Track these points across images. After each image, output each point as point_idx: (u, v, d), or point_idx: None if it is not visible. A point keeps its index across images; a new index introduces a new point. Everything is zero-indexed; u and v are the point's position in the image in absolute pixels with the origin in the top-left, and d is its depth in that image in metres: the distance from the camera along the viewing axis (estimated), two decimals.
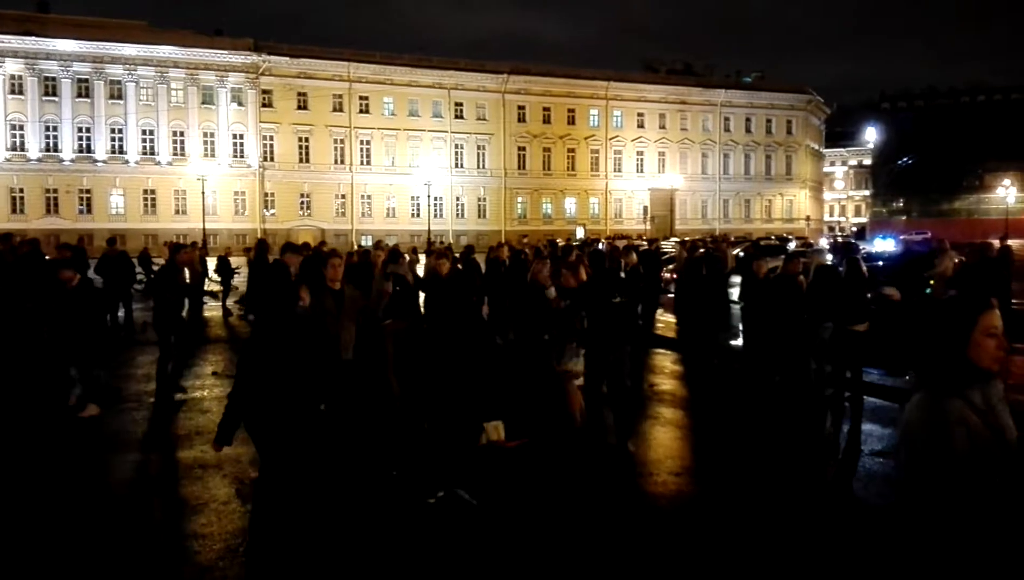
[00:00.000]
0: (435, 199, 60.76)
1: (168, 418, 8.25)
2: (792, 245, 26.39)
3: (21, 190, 52.43)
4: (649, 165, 70.65)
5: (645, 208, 66.56)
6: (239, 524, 5.31)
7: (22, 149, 52.44)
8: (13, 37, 51.05)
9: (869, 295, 8.40)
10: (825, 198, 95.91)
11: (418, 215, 60.45)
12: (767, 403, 8.42)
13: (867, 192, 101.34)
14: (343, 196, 60.47)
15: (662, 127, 70.80)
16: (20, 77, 52.17)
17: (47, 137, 53.04)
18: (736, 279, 11.63)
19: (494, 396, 7.12)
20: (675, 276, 13.40)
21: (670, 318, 13.25)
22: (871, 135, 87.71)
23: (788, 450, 7.05)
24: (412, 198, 61.71)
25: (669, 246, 25.54)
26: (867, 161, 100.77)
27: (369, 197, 61.39)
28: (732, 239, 29.00)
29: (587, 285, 7.86)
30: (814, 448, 7.20)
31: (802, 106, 77.31)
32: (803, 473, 6.46)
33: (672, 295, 13.84)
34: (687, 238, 25.05)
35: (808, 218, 74.85)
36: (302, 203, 59.48)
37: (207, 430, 7.70)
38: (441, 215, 62.36)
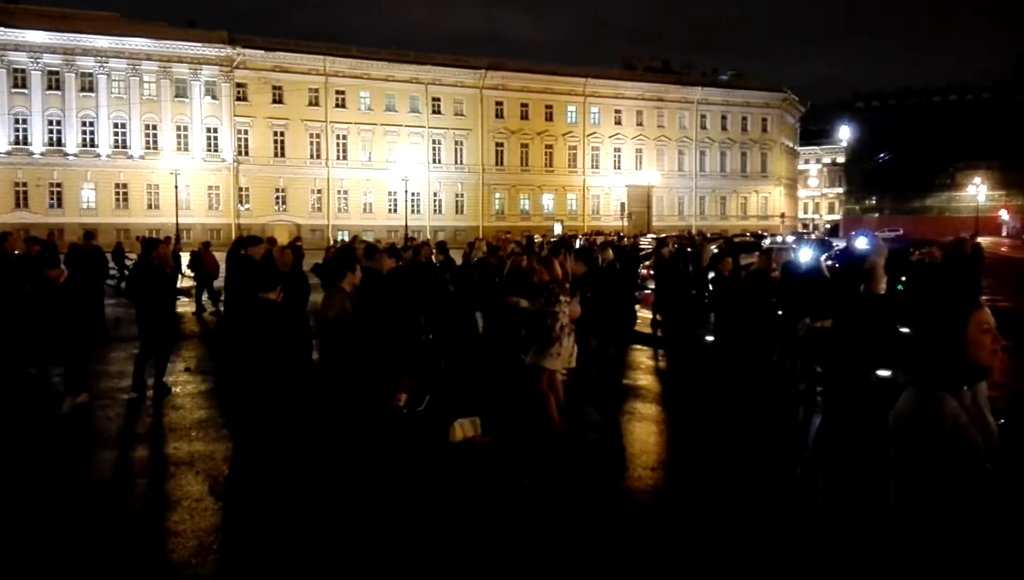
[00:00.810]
0: (412, 194, 60.53)
1: (141, 415, 8.15)
2: (767, 241, 26.63)
3: None
4: (627, 162, 70.96)
5: (622, 204, 66.83)
6: (212, 521, 5.27)
7: None
8: None
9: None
10: (800, 196, 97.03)
11: (395, 211, 60.19)
12: (741, 399, 8.50)
13: (841, 190, 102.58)
14: (319, 191, 60.03)
15: (639, 124, 71.13)
16: None
17: (16, 130, 52.05)
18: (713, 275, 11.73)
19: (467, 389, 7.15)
20: (652, 272, 13.47)
21: (646, 314, 13.31)
22: (845, 133, 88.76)
23: (761, 445, 7.12)
24: (389, 193, 61.44)
25: (646, 242, 25.67)
26: (841, 159, 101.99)
27: (346, 192, 61.01)
28: (708, 235, 29.24)
29: (584, 280, 7.90)
30: (786, 443, 7.29)
31: (777, 104, 78.06)
32: (774, 468, 6.54)
33: (648, 291, 13.92)
34: (664, 234, 25.22)
35: (783, 215, 75.61)
36: (277, 198, 58.97)
37: (180, 426, 7.64)
38: (419, 211, 62.13)
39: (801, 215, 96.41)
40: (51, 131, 52.91)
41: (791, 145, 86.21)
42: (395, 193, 60.36)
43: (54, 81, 52.60)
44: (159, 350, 8.96)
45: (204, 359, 11.23)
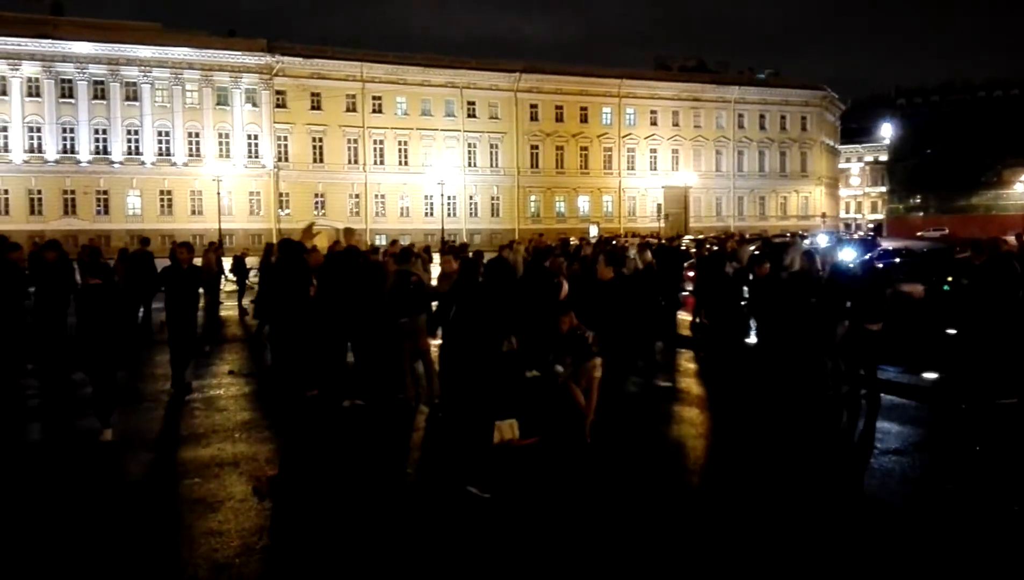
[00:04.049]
0: (448, 198, 60.84)
1: (186, 416, 8.30)
2: (807, 242, 26.13)
3: (39, 191, 52.97)
4: (663, 163, 70.43)
5: (659, 206, 66.33)
6: (256, 521, 5.34)
7: (39, 151, 52.98)
8: (29, 40, 51.58)
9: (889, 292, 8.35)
10: (841, 195, 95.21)
11: (431, 214, 60.56)
12: (783, 401, 8.36)
13: (883, 188, 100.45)
14: (357, 196, 60.70)
15: (675, 124, 70.56)
16: (37, 80, 52.71)
17: (64, 139, 53.55)
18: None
19: (506, 394, 7.13)
20: (693, 274, 13.32)
21: (686, 316, 13.20)
22: (887, 131, 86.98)
23: (802, 447, 7.00)
24: (425, 197, 61.84)
25: (685, 243, 25.40)
26: (883, 157, 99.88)
27: (383, 196, 61.58)
28: (747, 236, 28.82)
29: (613, 283, 7.85)
30: (829, 446, 7.15)
31: (816, 102, 76.82)
32: (816, 471, 6.42)
33: (687, 294, 13.79)
34: (702, 235, 24.90)
35: (824, 215, 74.38)
36: (316, 203, 59.74)
37: (224, 428, 7.77)
38: (454, 214, 62.44)
39: (843, 215, 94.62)
40: (97, 140, 54.31)
41: (831, 143, 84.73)
42: (431, 197, 60.74)
43: (100, 91, 53.99)
44: (189, 351, 9.14)
45: (247, 362, 11.42)
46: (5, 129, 52.23)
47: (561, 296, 8.57)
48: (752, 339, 10.04)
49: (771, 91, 74.30)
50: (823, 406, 8.22)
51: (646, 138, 69.74)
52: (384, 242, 40.46)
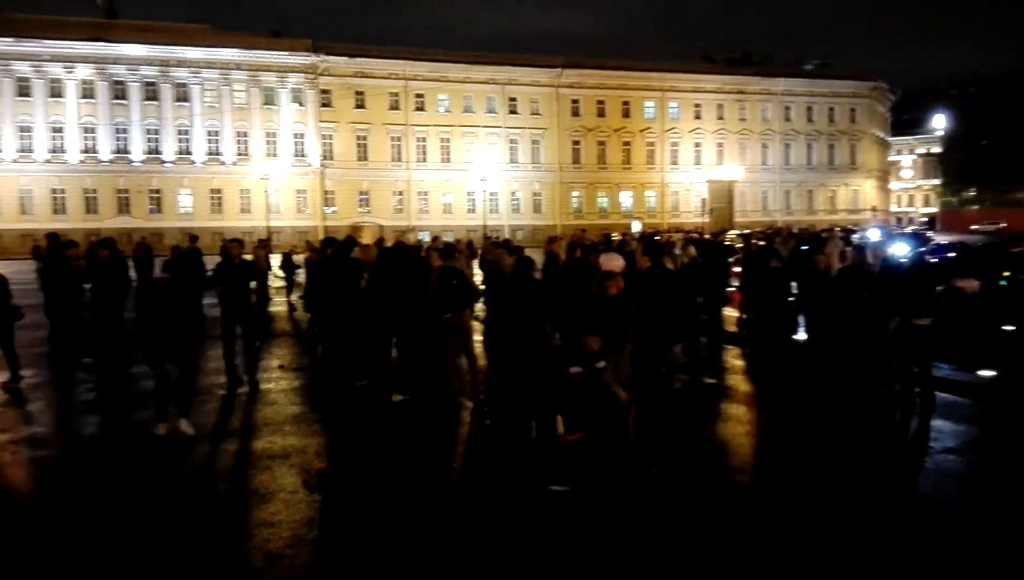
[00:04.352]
0: (490, 194, 61.04)
1: (237, 410, 8.49)
2: (857, 236, 25.59)
3: (94, 191, 54.61)
4: (707, 157, 69.59)
5: (703, 200, 65.55)
6: (306, 513, 5.44)
7: (94, 151, 54.60)
8: (84, 43, 53.16)
9: (940, 288, 8.15)
10: (892, 188, 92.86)
11: (474, 211, 60.83)
12: (834, 399, 8.22)
13: (936, 181, 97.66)
14: (401, 193, 61.29)
15: (720, 118, 69.63)
16: (91, 82, 54.29)
17: (118, 139, 55.11)
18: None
19: (551, 390, 7.13)
20: (739, 269, 13.15)
21: (732, 313, 13.03)
22: (940, 122, 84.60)
23: (855, 446, 6.87)
24: (468, 194, 62.14)
25: (730, 238, 25.09)
26: (936, 149, 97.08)
27: (426, 193, 62.07)
28: (794, 230, 28.35)
29: (650, 273, 7.79)
30: (882, 444, 7.01)
31: (866, 93, 75.02)
32: (869, 470, 6.30)
33: (732, 289, 13.61)
34: (748, 230, 24.54)
35: (874, 209, 72.66)
36: (361, 200, 60.52)
37: (274, 421, 7.93)
38: (497, 210, 62.61)
39: (894, 208, 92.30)
40: (149, 140, 55.77)
41: (882, 135, 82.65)
42: (473, 193, 61.01)
43: (151, 92, 55.42)
44: (245, 345, 9.34)
45: (296, 356, 11.62)
46: (61, 130, 53.94)
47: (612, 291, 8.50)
48: (801, 335, 9.87)
49: (819, 82, 72.79)
50: (876, 404, 8.05)
51: (690, 132, 68.96)
52: (427, 239, 40.80)
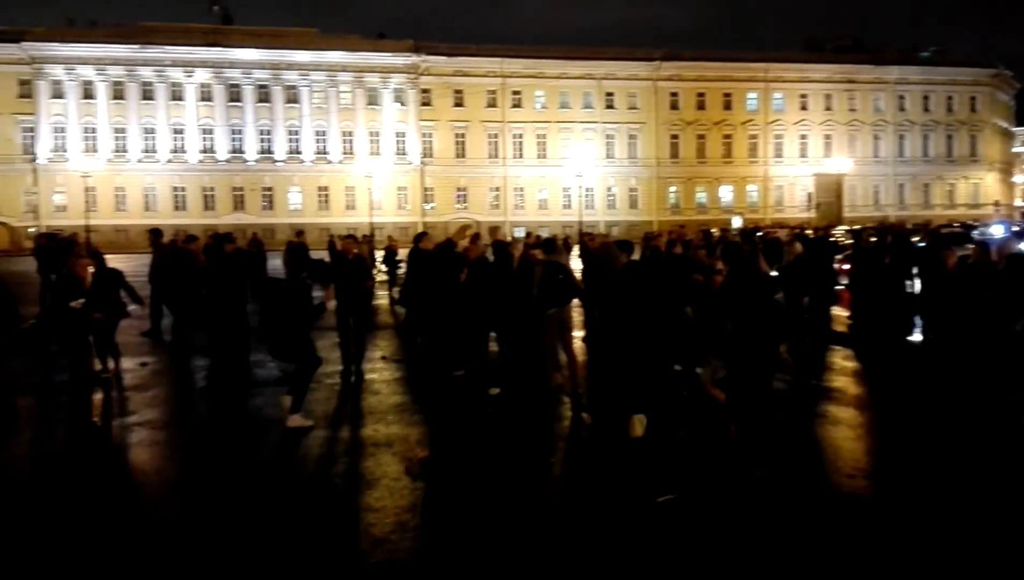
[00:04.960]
0: (586, 190, 60.76)
1: (343, 398, 8.82)
2: (977, 232, 24.01)
3: (212, 189, 57.80)
4: (813, 149, 66.90)
5: (809, 195, 63.05)
6: (409, 500, 5.60)
7: (212, 151, 57.76)
8: (202, 48, 56.29)
9: None
10: (1017, 181, 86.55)
11: (569, 206, 60.77)
12: (954, 405, 7.76)
13: None
14: (497, 189, 61.92)
15: (828, 108, 66.78)
16: (209, 85, 57.43)
17: (233, 140, 58.10)
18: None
19: (649, 388, 7.05)
20: (848, 267, 12.58)
21: (842, 312, 12.49)
22: None
23: (976, 455, 6.48)
24: (563, 189, 62.11)
25: (838, 235, 24.06)
26: None
27: (521, 189, 62.45)
28: (909, 226, 26.94)
29: (730, 282, 7.48)
30: (1005, 455, 6.58)
31: (987, 81, 70.23)
32: (991, 481, 5.92)
33: (842, 287, 13.04)
34: (858, 226, 23.46)
35: (997, 203, 68.04)
36: (458, 196, 61.51)
37: (378, 410, 8.19)
38: (592, 206, 62.30)
39: (1019, 203, 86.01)
40: (262, 140, 58.53)
41: (1005, 125, 77.24)
42: (569, 189, 60.91)
43: (264, 94, 58.12)
44: (355, 336, 9.67)
45: (398, 348, 11.96)
46: (182, 132, 57.32)
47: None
48: (917, 337, 9.38)
49: (936, 70, 68.65)
50: (999, 410, 7.55)
51: (795, 124, 66.47)
52: (521, 234, 41.03)
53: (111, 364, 9.66)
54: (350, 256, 9.91)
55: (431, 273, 8.81)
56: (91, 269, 8.66)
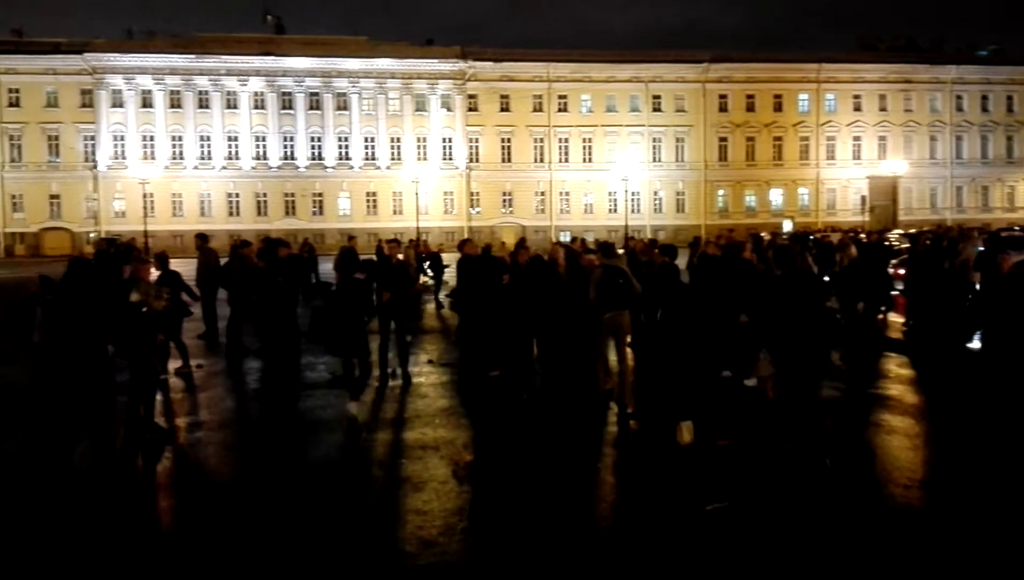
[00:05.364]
0: (632, 194, 60.33)
1: (391, 402, 8.92)
2: None
3: (264, 195, 59.03)
4: (867, 151, 65.28)
5: (863, 198, 61.48)
6: (457, 503, 5.65)
7: (264, 158, 59.00)
8: (256, 58, 57.58)
9: None
10: None
11: (615, 210, 60.38)
12: (1013, 415, 7.50)
13: None
14: (542, 193, 61.88)
15: (882, 109, 65.08)
16: (262, 93, 58.70)
17: (284, 147, 59.26)
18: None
19: (699, 394, 6.98)
20: (903, 272, 12.28)
21: (897, 318, 12.19)
22: None
23: None
24: (609, 194, 61.75)
25: (893, 239, 23.48)
26: None
27: (567, 194, 62.30)
28: (967, 230, 26.07)
29: (778, 286, 7.35)
30: None
31: None
32: None
33: (897, 293, 12.72)
34: (914, 229, 22.82)
35: None
36: (504, 201, 61.67)
37: (425, 414, 8.27)
38: (639, 210, 61.84)
39: None
40: (313, 147, 59.59)
41: None
42: (615, 193, 60.52)
43: (315, 102, 59.18)
44: (397, 339, 9.79)
45: (444, 352, 12.05)
46: (236, 139, 58.71)
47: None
48: (976, 343, 9.08)
49: (995, 69, 66.28)
50: None
51: (848, 125, 64.95)
52: (567, 239, 40.93)
53: (179, 363, 10.07)
54: (393, 260, 10.02)
55: (476, 278, 8.89)
56: (155, 271, 8.96)
